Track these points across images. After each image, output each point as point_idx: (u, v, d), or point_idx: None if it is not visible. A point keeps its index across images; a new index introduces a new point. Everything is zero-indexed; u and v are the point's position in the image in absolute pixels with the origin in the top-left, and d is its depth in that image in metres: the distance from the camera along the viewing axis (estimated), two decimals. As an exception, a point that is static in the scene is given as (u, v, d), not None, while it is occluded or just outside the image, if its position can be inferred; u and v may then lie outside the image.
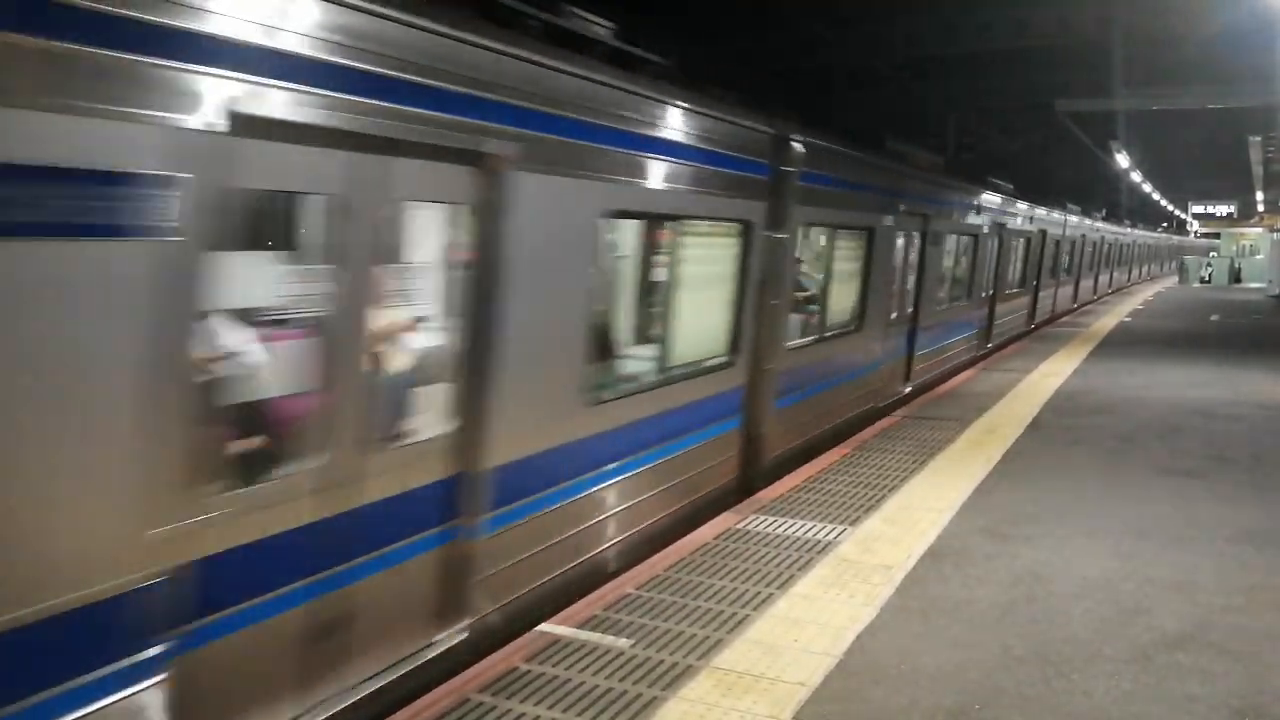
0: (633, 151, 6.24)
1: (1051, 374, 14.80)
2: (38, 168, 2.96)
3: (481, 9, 5.05)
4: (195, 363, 3.55)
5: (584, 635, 5.06)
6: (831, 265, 10.31)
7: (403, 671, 4.64)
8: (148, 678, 3.42)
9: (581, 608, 5.44)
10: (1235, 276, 49.84)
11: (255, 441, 4.18)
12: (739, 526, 6.90)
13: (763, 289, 8.23)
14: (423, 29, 4.44)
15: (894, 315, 12.37)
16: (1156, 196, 50.09)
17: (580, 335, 5.90)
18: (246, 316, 4.26)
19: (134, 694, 3.38)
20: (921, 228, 13.08)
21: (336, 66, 3.97)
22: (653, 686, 4.54)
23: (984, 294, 17.33)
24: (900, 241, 12.23)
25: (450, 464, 4.89)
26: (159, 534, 3.43)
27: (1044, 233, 22.19)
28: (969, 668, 4.82)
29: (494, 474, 5.11)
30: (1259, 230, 54.96)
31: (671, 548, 6.49)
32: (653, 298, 7.38)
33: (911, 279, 13.12)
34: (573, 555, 6.00)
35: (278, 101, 3.71)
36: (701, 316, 7.57)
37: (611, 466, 6.34)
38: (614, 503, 6.45)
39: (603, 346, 6.40)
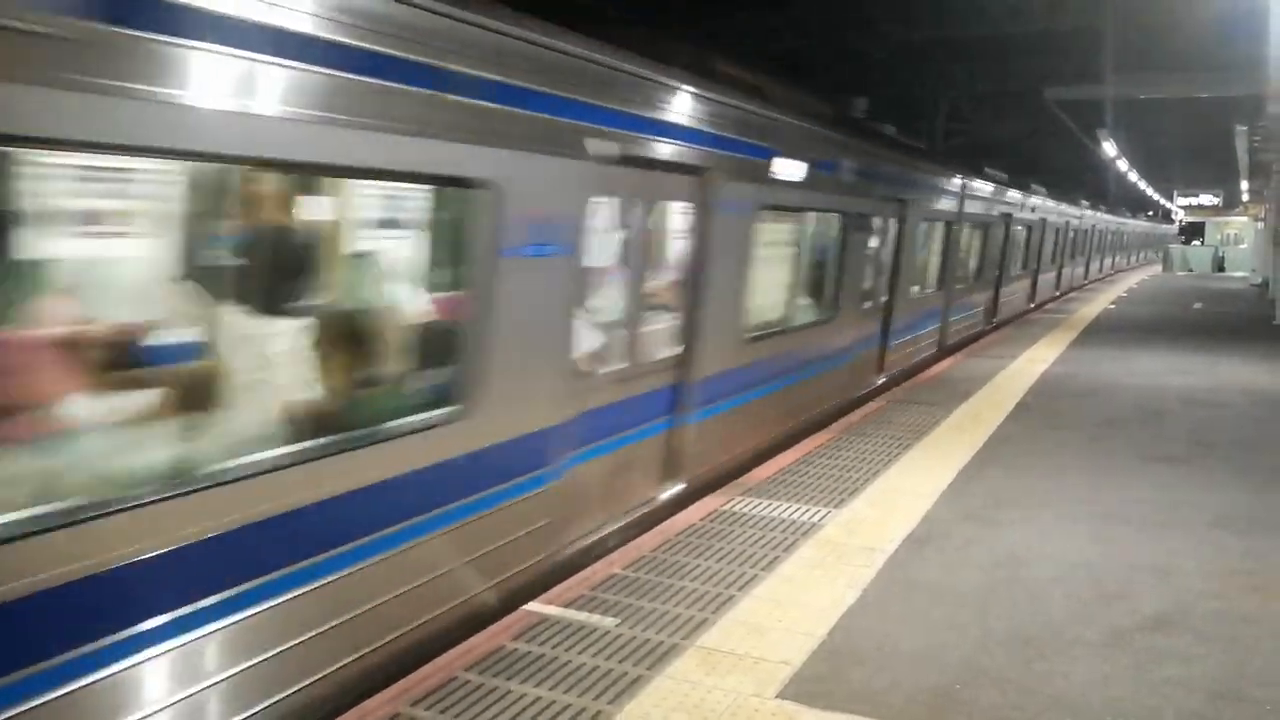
0: None
1: (1036, 360, 14.89)
2: None
3: None
4: None
5: (571, 614, 5.09)
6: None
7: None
8: None
9: (568, 587, 5.47)
10: (1219, 265, 50.09)
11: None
12: (724, 508, 6.94)
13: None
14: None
15: None
16: (1143, 185, 50.24)
17: None
18: None
19: None
20: None
21: None
22: (639, 665, 4.58)
23: None
24: None
25: None
26: None
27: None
28: (950, 649, 4.88)
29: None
30: (1244, 219, 55.23)
31: (657, 529, 6.53)
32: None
33: None
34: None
35: None
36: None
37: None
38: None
39: None
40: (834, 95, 11.82)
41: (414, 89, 4.38)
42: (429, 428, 4.80)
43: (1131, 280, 39.59)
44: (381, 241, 5.22)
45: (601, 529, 6.49)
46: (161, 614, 3.56)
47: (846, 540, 6.36)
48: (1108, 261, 44.99)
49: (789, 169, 8.63)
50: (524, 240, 5.26)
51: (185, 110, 3.39)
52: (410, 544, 4.69)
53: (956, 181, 15.65)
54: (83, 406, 3.65)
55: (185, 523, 3.63)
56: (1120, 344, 17.35)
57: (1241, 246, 52.69)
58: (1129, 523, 7.00)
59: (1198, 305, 27.09)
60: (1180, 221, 73.02)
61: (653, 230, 7.11)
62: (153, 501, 3.52)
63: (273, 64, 3.69)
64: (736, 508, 6.96)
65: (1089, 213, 35.48)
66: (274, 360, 4.40)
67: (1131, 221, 54.67)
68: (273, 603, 3.98)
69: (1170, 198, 62.63)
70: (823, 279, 10.59)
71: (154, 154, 3.53)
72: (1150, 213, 70.88)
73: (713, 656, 4.69)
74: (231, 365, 4.16)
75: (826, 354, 10.59)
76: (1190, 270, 50.14)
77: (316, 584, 4.19)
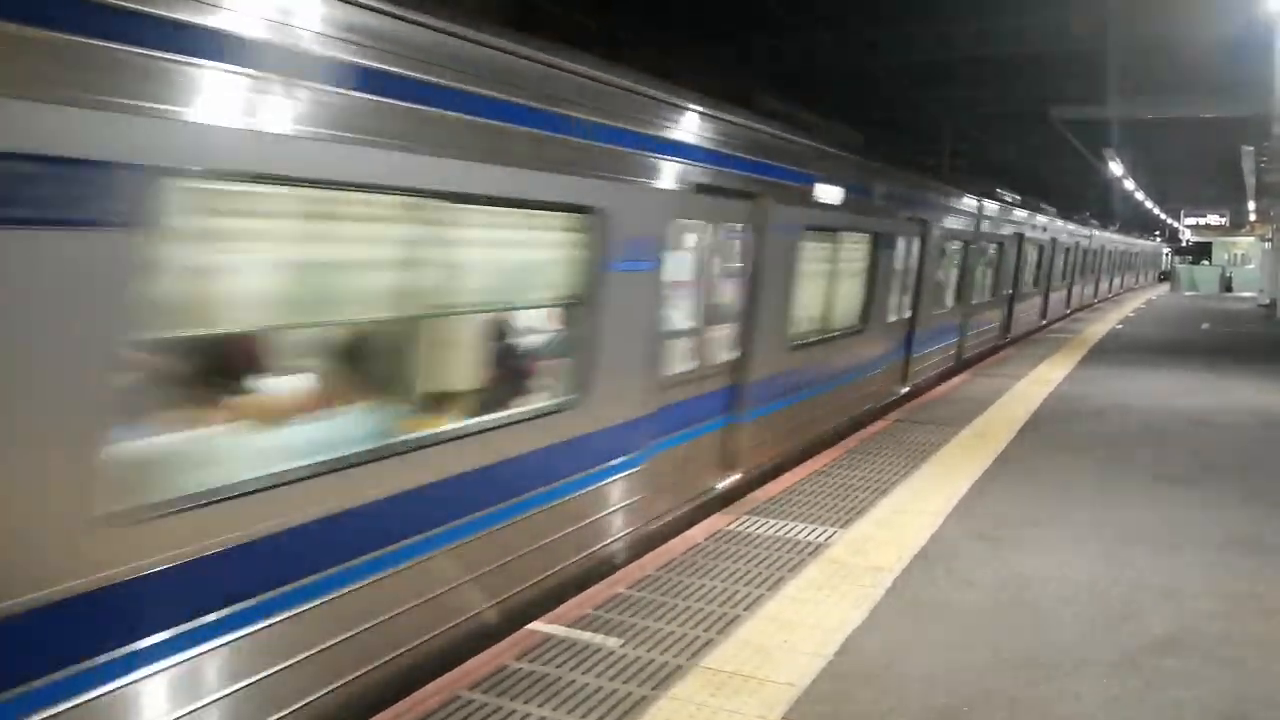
0: None
1: (1043, 380, 14.85)
2: None
3: None
4: None
5: (575, 634, 5.07)
6: None
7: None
8: None
9: (572, 607, 5.45)
10: (1226, 285, 50.02)
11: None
12: (730, 528, 6.91)
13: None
14: None
15: None
16: (1149, 205, 50.28)
17: None
18: None
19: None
20: None
21: None
22: (643, 686, 4.55)
23: None
24: None
25: None
26: None
27: None
28: (958, 670, 4.84)
29: None
30: (1250, 239, 55.18)
31: (662, 548, 6.50)
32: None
33: None
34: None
35: None
36: None
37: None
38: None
39: None
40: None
41: None
42: None
43: (1138, 301, 39.52)
44: None
45: None
46: None
47: (853, 560, 6.32)
48: (1059, 295, 27.59)
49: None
50: None
51: None
52: None
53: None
54: None
55: None
56: (1128, 364, 17.30)
57: (1249, 266, 52.62)
58: (1137, 543, 6.96)
59: (1205, 326, 27.04)
60: (1186, 241, 72.50)
61: None
62: None
63: None
64: (742, 527, 6.93)
65: (1044, 218, 23.27)
66: None
67: (1107, 235, 38.00)
68: None
69: (1177, 217, 62.66)
70: None
71: None
72: (1157, 230, 70.67)
73: (718, 677, 4.66)
74: None
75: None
76: (1197, 290, 50.06)
77: None
